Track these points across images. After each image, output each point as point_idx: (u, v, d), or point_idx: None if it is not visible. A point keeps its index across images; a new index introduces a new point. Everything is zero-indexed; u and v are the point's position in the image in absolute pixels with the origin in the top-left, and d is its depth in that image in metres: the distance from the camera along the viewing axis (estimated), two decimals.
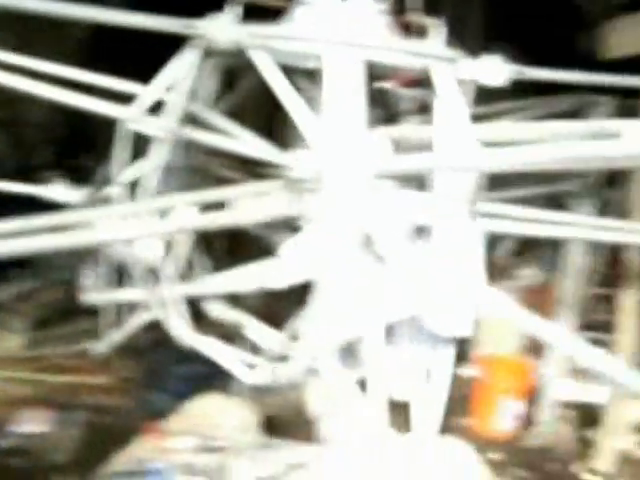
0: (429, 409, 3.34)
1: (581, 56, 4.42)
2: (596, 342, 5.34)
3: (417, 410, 3.39)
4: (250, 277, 3.65)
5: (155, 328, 4.14)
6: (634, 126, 2.25)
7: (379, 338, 3.08)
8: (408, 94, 3.45)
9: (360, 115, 3.06)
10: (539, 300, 5.44)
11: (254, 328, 4.15)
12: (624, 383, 1.94)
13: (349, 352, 3.62)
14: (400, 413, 3.51)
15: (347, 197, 3.04)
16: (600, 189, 4.76)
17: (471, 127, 3.06)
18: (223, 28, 3.17)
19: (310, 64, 3.53)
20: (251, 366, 3.86)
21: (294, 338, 3.95)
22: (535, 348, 5.56)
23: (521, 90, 4.87)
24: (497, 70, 3.43)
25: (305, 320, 3.47)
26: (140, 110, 3.54)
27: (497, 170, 2.75)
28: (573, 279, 4.92)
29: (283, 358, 3.98)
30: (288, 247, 3.41)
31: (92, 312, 4.63)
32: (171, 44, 3.53)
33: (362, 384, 3.45)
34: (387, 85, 3.39)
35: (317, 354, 3.32)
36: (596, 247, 5.14)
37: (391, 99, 3.61)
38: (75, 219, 3.23)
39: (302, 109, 3.22)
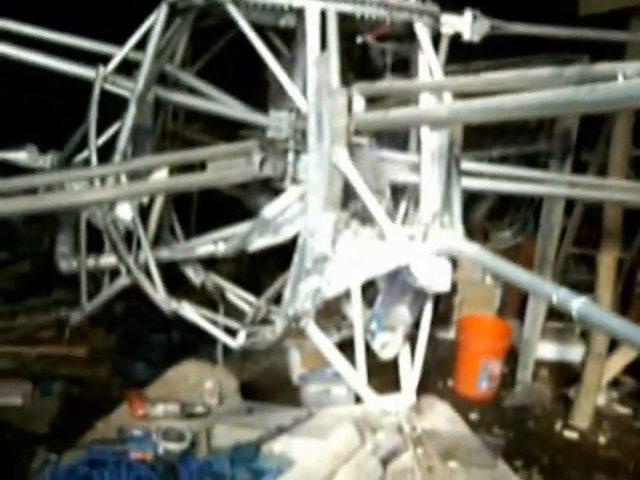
0: (412, 367, 3.34)
1: (560, 13, 4.33)
2: None
3: (403, 368, 3.38)
4: (230, 240, 3.60)
5: (129, 296, 4.08)
6: (631, 67, 1.97)
7: (360, 297, 3.06)
8: (386, 48, 3.40)
9: (337, 70, 3.00)
10: (518, 261, 5.44)
11: (234, 292, 4.11)
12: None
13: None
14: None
15: (326, 155, 2.98)
16: (576, 149, 4.74)
17: (452, 79, 3.01)
18: None
19: (282, 22, 3.46)
20: (232, 331, 3.82)
21: (275, 302, 3.92)
22: (512, 309, 5.61)
23: (492, 52, 4.83)
24: (477, 24, 3.40)
25: (286, 283, 3.43)
26: (111, 70, 3.47)
27: (483, 120, 2.69)
28: (551, 239, 4.91)
29: (264, 322, 3.95)
30: (270, 208, 3.36)
31: (63, 283, 4.56)
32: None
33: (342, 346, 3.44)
34: (367, 40, 3.33)
35: (299, 316, 3.28)
36: (573, 206, 5.15)
37: (370, 54, 3.55)
38: (47, 182, 3.15)
39: (276, 67, 3.16)
